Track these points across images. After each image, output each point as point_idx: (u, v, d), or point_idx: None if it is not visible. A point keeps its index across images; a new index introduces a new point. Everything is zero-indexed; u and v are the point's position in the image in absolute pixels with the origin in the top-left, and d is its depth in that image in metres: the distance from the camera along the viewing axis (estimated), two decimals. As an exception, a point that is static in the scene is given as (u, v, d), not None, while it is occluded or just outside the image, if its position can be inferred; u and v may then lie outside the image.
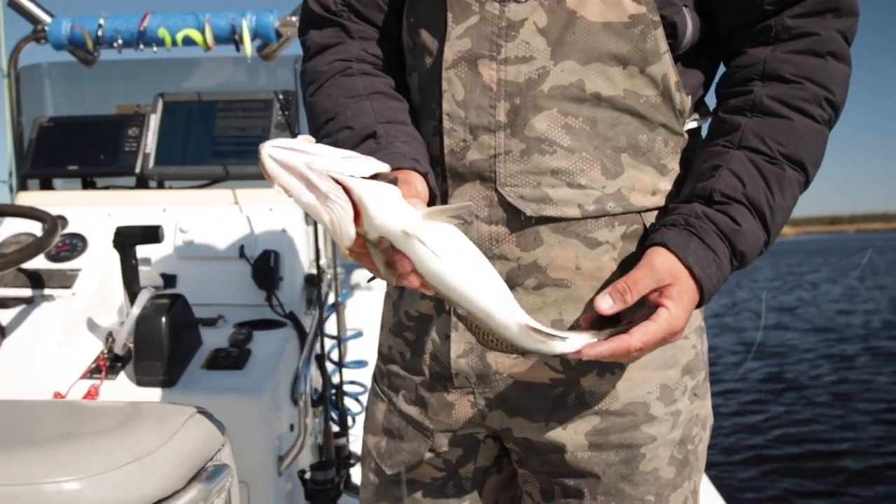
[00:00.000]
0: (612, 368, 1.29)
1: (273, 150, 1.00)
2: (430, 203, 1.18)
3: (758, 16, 1.23)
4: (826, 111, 1.22)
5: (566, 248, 1.24)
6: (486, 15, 1.22)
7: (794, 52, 1.21)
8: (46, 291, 2.56)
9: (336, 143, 1.26)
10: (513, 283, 1.25)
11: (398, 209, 1.03)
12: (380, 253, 1.06)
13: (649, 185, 1.27)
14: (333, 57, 1.38)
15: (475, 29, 1.23)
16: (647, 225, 1.27)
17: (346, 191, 1.01)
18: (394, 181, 1.06)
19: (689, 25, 1.24)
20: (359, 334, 2.93)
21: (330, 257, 3.08)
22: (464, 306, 1.10)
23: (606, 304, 1.15)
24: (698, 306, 1.19)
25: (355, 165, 1.03)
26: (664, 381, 1.31)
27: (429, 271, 1.05)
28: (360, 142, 1.24)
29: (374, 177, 1.04)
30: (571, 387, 1.30)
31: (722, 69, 1.33)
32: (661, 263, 1.16)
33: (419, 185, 1.15)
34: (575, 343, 1.15)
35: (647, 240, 1.22)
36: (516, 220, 1.24)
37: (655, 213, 1.28)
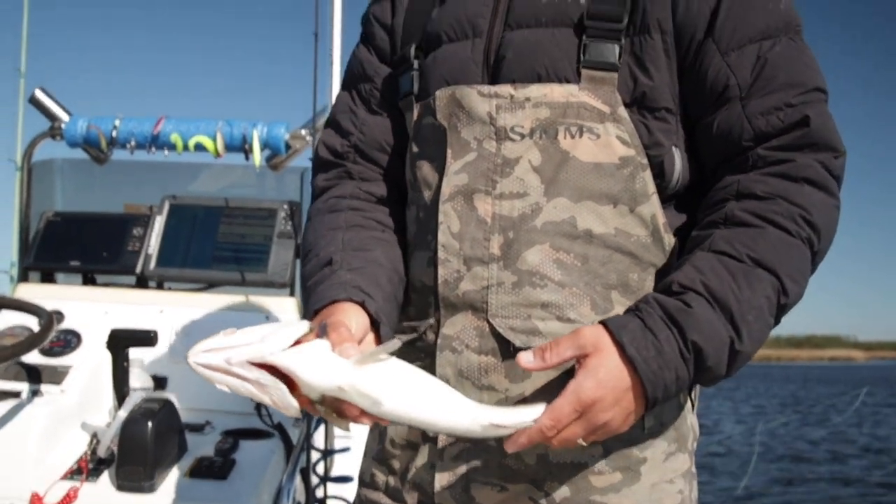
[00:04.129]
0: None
1: (197, 358, 1.08)
2: (374, 326, 1.24)
3: (737, 150, 1.25)
4: (803, 229, 1.19)
5: (554, 381, 1.24)
6: (484, 152, 1.28)
7: (768, 174, 1.22)
8: (36, 387, 2.54)
9: (305, 273, 1.35)
10: None
11: (328, 367, 1.07)
12: (327, 408, 1.11)
13: None
14: (330, 195, 1.47)
15: (472, 165, 1.29)
16: None
17: (274, 368, 1.07)
18: (323, 329, 1.12)
19: (678, 166, 1.28)
20: (346, 449, 2.90)
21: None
22: (423, 430, 1.15)
23: (526, 359, 1.15)
24: (647, 406, 1.15)
25: (274, 341, 1.08)
26: None
27: (376, 413, 1.09)
28: (319, 269, 1.32)
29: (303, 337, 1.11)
30: None
31: None
32: (589, 333, 1.14)
33: (352, 320, 1.19)
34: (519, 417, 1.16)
35: None
36: (506, 351, 1.26)
37: None
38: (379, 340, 1.24)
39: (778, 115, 1.22)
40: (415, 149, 1.39)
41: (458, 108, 1.30)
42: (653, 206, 1.27)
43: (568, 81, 1.26)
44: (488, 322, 1.26)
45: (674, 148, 1.28)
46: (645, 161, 1.26)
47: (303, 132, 3.12)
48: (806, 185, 1.20)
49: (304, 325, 1.13)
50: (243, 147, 3.08)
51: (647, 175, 1.26)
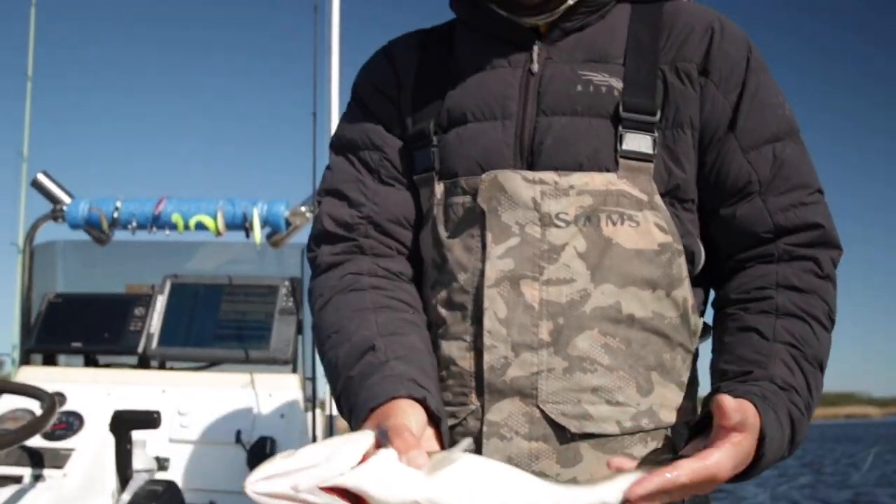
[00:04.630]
0: None
1: (257, 486, 0.99)
2: (433, 422, 1.19)
3: (759, 241, 1.33)
4: (831, 323, 1.31)
5: (605, 464, 1.22)
6: (527, 238, 1.28)
7: (801, 270, 1.31)
8: (38, 471, 2.52)
9: (337, 359, 1.29)
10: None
11: (400, 482, 1.00)
12: None
13: (674, 402, 1.31)
14: (344, 272, 1.40)
15: (517, 250, 1.28)
16: (672, 440, 1.29)
17: (343, 490, 0.99)
18: (384, 435, 1.04)
19: (702, 252, 1.35)
20: None
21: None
22: None
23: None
24: (739, 478, 1.15)
25: (341, 460, 1.00)
26: None
27: None
28: (360, 357, 1.26)
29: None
30: None
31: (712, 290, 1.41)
32: (752, 411, 1.12)
33: (412, 420, 1.13)
34: (621, 485, 1.08)
35: (713, 392, 1.21)
36: (557, 436, 1.26)
37: (674, 429, 1.30)
38: (439, 435, 1.20)
39: (795, 212, 1.32)
40: (441, 229, 1.36)
41: (499, 191, 1.29)
42: (685, 290, 1.32)
43: (607, 170, 1.29)
44: (539, 408, 1.26)
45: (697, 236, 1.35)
46: (680, 247, 1.31)
47: (303, 209, 3.15)
48: (829, 282, 1.32)
49: (368, 438, 1.05)
50: (244, 225, 3.11)
51: (682, 260, 1.31)
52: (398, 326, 1.32)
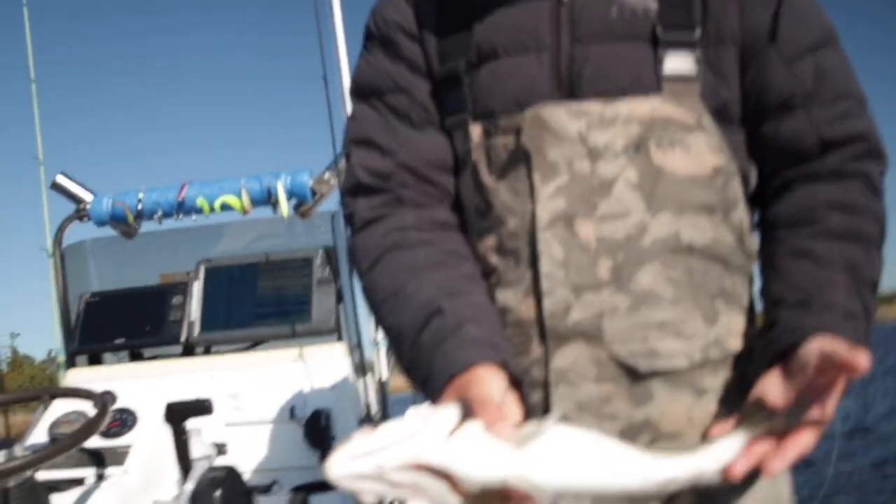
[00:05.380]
0: None
1: (341, 469, 0.93)
2: (514, 384, 1.13)
3: (806, 157, 1.26)
4: (881, 245, 1.25)
5: (677, 401, 1.21)
6: (577, 174, 1.21)
7: (850, 188, 1.24)
8: (100, 471, 2.53)
9: (401, 325, 1.22)
10: (625, 441, 1.19)
11: (487, 458, 0.95)
12: (492, 498, 0.98)
13: (740, 328, 1.26)
14: (388, 227, 1.32)
15: (567, 188, 1.21)
16: (740, 368, 1.24)
17: (430, 468, 0.94)
18: (467, 407, 0.99)
19: (753, 170, 1.29)
20: None
21: (381, 412, 3.03)
22: (597, 499, 1.03)
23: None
24: None
25: (428, 437, 0.95)
26: None
27: (548, 494, 0.97)
28: (425, 321, 1.19)
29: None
30: None
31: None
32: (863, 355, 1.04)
33: (494, 388, 1.08)
34: (724, 453, 1.06)
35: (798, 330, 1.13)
36: (626, 376, 1.20)
37: (744, 355, 1.25)
38: (521, 398, 1.13)
39: (841, 124, 1.25)
40: (484, 173, 1.28)
41: (543, 128, 1.22)
42: (741, 212, 1.26)
43: (651, 94, 1.22)
44: (605, 349, 1.20)
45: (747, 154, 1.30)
46: (734, 168, 1.25)
47: (326, 175, 3.09)
48: (878, 198, 1.26)
49: (453, 412, 0.99)
50: (270, 200, 3.06)
51: (737, 182, 1.26)
52: (459, 284, 1.25)
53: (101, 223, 3.22)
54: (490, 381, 1.09)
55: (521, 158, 1.24)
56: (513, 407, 1.11)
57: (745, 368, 1.22)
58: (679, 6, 1.24)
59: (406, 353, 1.22)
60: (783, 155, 1.28)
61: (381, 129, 1.35)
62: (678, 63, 1.23)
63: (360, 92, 1.39)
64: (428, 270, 1.26)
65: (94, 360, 3.17)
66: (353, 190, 1.37)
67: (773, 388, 1.10)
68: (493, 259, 1.29)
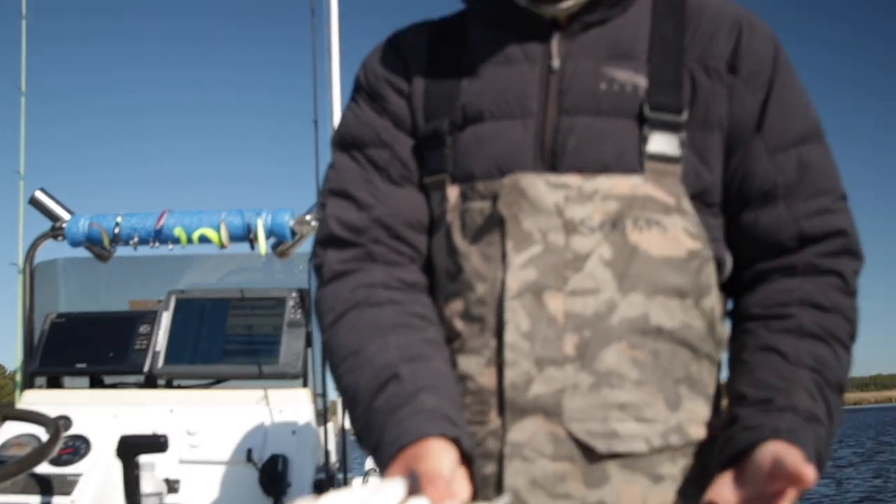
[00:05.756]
0: None
1: None
2: (465, 458, 1.10)
3: (783, 250, 1.26)
4: (851, 346, 1.25)
5: (632, 484, 1.19)
6: (551, 246, 1.20)
7: (825, 286, 1.24)
8: (46, 499, 2.46)
9: (356, 387, 1.20)
10: None
11: None
12: None
13: (703, 416, 1.24)
14: (356, 282, 1.29)
15: (540, 259, 1.20)
16: (701, 457, 1.22)
17: None
18: (415, 480, 0.97)
19: (729, 258, 1.29)
20: None
21: (340, 461, 2.98)
22: None
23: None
24: None
25: None
26: None
27: None
28: (382, 385, 1.17)
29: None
30: None
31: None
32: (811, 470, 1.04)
33: (444, 463, 1.05)
34: None
35: (747, 435, 1.13)
36: (583, 456, 1.18)
37: (705, 445, 1.23)
38: (470, 475, 1.11)
39: (820, 219, 1.26)
40: (457, 236, 1.27)
41: (520, 196, 1.21)
42: (713, 298, 1.25)
43: (633, 173, 1.22)
44: (564, 427, 1.18)
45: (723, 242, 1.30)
46: (710, 254, 1.24)
47: (308, 217, 3.07)
48: (852, 298, 1.26)
49: (400, 487, 0.96)
50: (248, 236, 3.03)
51: (712, 268, 1.25)
52: (420, 349, 1.22)
53: (75, 243, 3.17)
54: (440, 456, 1.06)
55: (495, 224, 1.23)
56: (462, 484, 1.08)
57: (706, 458, 1.21)
58: (668, 86, 1.25)
59: (360, 416, 1.20)
60: (761, 245, 1.28)
61: (360, 182, 1.33)
62: (662, 143, 1.23)
63: (343, 142, 1.38)
64: (392, 332, 1.23)
65: (54, 382, 3.10)
66: (324, 241, 1.35)
67: (726, 491, 1.09)
68: (459, 324, 1.26)
